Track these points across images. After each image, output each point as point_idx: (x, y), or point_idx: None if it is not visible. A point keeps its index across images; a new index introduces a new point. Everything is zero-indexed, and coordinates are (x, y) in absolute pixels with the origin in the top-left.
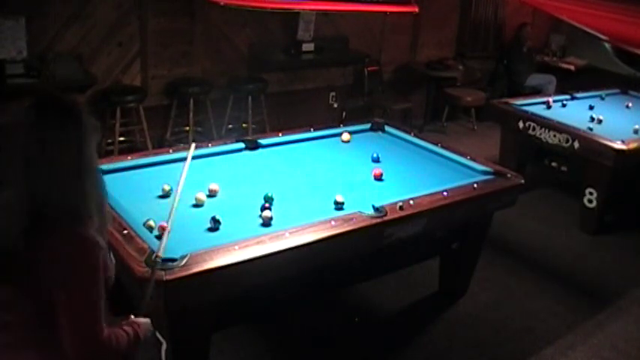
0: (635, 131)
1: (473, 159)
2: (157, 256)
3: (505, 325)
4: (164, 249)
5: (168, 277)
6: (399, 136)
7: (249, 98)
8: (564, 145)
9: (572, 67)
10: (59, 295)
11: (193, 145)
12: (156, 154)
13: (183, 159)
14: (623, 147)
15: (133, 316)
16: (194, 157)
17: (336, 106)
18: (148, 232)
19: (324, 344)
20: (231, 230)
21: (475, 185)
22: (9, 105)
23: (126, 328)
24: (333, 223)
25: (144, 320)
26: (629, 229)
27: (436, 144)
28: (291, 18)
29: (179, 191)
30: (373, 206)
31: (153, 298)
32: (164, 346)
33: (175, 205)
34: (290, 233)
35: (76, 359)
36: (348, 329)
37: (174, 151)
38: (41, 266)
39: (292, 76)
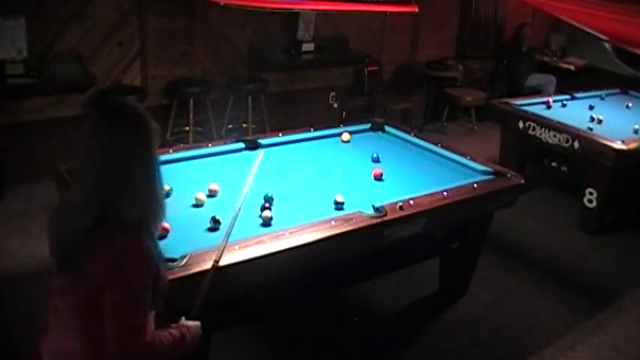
0: (635, 131)
1: (473, 159)
2: (215, 261)
3: (505, 325)
4: (220, 255)
5: (168, 277)
6: (399, 136)
7: (249, 98)
8: (564, 145)
9: (572, 67)
10: (107, 293)
11: (262, 152)
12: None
13: (184, 159)
14: (623, 147)
15: (183, 318)
16: (194, 157)
17: (336, 106)
18: None
19: (324, 344)
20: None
21: (475, 185)
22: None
23: (172, 330)
24: (333, 223)
25: (193, 323)
26: (629, 229)
27: (436, 144)
28: (291, 18)
29: (242, 201)
30: (373, 206)
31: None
32: None
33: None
34: (290, 233)
35: (117, 357)
36: (348, 329)
37: (174, 151)
38: (95, 263)
39: (292, 76)
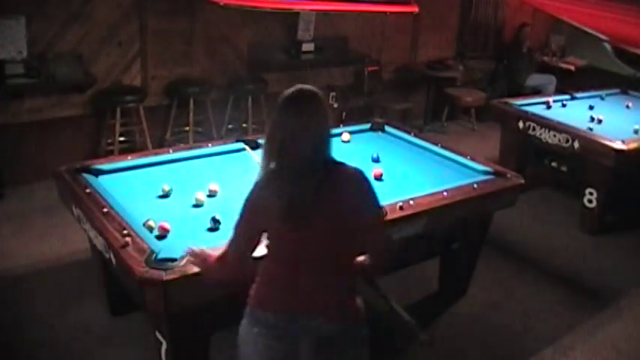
0: (635, 131)
1: (473, 159)
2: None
3: (505, 325)
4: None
5: (168, 277)
6: (399, 136)
7: (249, 98)
8: (564, 145)
9: (572, 67)
10: (362, 216)
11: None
12: (156, 154)
13: (184, 159)
14: (623, 147)
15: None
16: (194, 157)
17: (336, 106)
18: (148, 232)
19: None
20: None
21: (475, 185)
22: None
23: None
24: None
25: None
26: (629, 229)
27: (436, 144)
28: (291, 18)
29: None
30: None
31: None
32: (164, 346)
33: None
34: None
35: (376, 256)
36: None
37: (174, 151)
38: (339, 203)
39: (292, 76)
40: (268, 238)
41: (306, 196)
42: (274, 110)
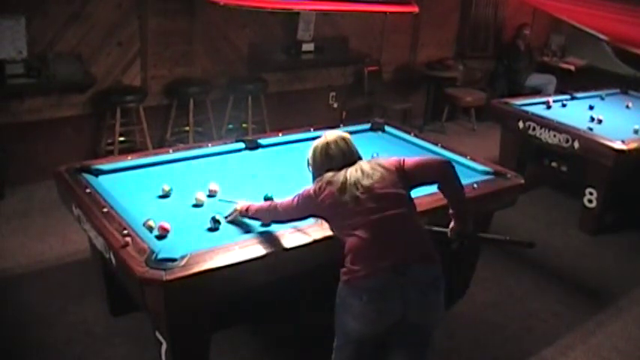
0: (635, 131)
1: (473, 159)
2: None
3: (505, 325)
4: None
5: (168, 277)
6: (399, 136)
7: (249, 98)
8: (564, 145)
9: (572, 67)
10: (398, 171)
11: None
12: (156, 154)
13: (184, 159)
14: (623, 147)
15: None
16: (194, 157)
17: (336, 106)
18: (148, 232)
19: (324, 344)
20: (231, 230)
21: (475, 185)
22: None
23: None
24: None
25: None
26: (629, 229)
27: (436, 144)
28: (291, 18)
29: None
30: None
31: None
32: (164, 346)
33: None
34: (290, 233)
35: (447, 180)
36: None
37: (174, 151)
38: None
39: (292, 76)
40: (343, 218)
41: (356, 172)
42: (316, 152)
